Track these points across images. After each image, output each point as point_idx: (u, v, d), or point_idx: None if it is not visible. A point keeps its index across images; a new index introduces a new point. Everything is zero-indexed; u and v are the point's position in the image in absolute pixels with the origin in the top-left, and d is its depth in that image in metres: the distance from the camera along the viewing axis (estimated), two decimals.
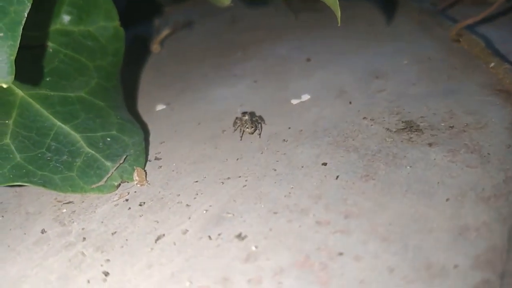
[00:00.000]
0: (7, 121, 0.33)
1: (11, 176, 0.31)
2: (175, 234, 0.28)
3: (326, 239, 0.26)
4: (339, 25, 0.34)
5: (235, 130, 0.38)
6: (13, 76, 0.29)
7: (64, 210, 0.32)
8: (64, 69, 0.38)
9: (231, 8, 0.67)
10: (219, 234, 0.28)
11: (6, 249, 0.30)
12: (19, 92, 0.35)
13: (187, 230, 0.28)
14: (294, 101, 0.41)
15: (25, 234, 0.31)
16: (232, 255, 0.26)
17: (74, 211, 0.32)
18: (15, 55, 0.29)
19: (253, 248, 0.26)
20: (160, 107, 0.44)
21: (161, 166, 0.35)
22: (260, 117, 0.39)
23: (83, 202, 0.33)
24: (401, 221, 0.27)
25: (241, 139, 0.37)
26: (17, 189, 0.35)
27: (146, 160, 0.36)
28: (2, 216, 0.33)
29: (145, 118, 0.42)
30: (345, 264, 0.25)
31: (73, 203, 0.33)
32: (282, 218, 0.28)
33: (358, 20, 0.57)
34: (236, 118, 0.38)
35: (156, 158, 0.36)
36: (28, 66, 0.36)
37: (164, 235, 0.28)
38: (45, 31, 0.38)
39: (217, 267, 0.26)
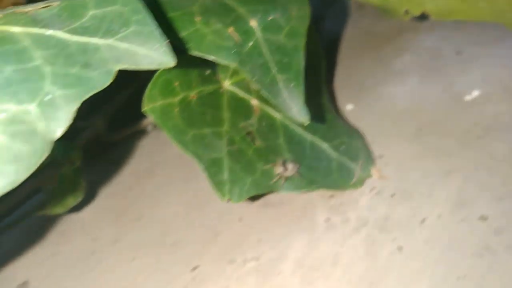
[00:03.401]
0: (278, 141, 0.45)
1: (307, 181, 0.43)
2: (433, 218, 0.40)
3: None
4: None
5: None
6: (309, 116, 0.40)
7: (332, 203, 0.45)
8: None
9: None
10: (465, 216, 0.40)
11: (306, 236, 0.42)
12: (277, 116, 0.46)
13: (441, 215, 0.41)
14: (467, 98, 0.51)
15: (312, 223, 0.43)
16: (481, 231, 0.38)
17: (341, 203, 0.44)
18: (304, 98, 0.41)
19: (496, 225, 0.38)
20: (349, 107, 0.55)
21: (388, 163, 0.47)
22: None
23: (342, 196, 0.45)
24: None
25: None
26: None
27: (374, 158, 0.48)
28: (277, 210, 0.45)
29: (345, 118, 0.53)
30: None
31: (335, 197, 0.45)
32: None
33: None
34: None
35: (379, 156, 0.48)
36: None
37: (425, 219, 0.41)
38: None
39: (477, 243, 0.38)
